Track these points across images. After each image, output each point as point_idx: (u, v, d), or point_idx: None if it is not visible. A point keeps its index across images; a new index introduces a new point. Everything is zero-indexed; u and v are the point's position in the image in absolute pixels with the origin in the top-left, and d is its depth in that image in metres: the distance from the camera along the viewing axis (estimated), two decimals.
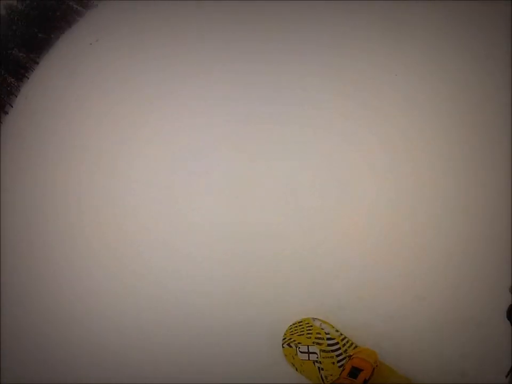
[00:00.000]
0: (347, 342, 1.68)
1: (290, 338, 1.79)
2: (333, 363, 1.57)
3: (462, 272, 2.43)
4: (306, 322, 1.82)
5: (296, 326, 1.83)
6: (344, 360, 1.57)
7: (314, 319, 1.83)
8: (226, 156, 7.72)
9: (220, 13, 11.52)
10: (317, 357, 1.63)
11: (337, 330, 1.74)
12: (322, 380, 1.60)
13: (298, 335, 1.76)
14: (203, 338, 2.69)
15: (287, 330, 1.86)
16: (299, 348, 1.71)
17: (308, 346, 1.67)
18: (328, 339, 1.67)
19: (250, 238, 3.93)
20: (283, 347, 1.81)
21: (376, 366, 1.50)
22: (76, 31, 22.73)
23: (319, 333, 1.71)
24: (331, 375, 1.55)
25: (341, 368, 1.53)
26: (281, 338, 1.86)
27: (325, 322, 1.79)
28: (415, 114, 5.33)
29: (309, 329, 1.76)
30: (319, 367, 1.61)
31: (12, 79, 20.76)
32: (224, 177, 6.40)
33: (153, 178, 8.23)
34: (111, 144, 13.93)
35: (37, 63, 22.58)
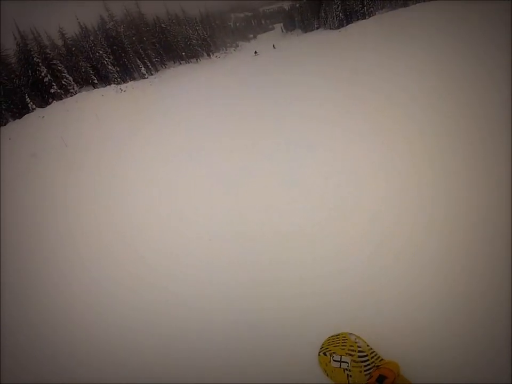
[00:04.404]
0: (375, 355, 1.91)
1: (327, 348, 2.03)
2: (360, 371, 1.81)
3: (463, 273, 2.42)
4: (343, 335, 2.06)
5: (334, 338, 2.08)
6: (371, 370, 1.80)
7: (350, 333, 2.07)
8: (228, 155, 7.72)
9: None
10: (347, 366, 1.86)
11: (368, 345, 1.97)
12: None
13: (334, 346, 2.01)
14: (204, 342, 2.68)
15: (325, 341, 2.11)
16: (333, 357, 1.94)
17: (341, 356, 1.91)
18: (359, 351, 1.90)
19: (254, 239, 3.92)
20: (319, 355, 2.05)
21: (398, 375, 1.73)
22: None
23: (352, 346, 1.95)
24: (357, 382, 1.79)
25: (367, 376, 1.77)
26: (319, 347, 2.10)
27: (359, 337, 2.02)
28: (416, 113, 5.34)
29: (344, 342, 2.00)
30: (348, 374, 1.83)
31: None
32: (225, 177, 6.40)
33: (154, 179, 8.23)
34: (111, 144, 13.94)
35: None
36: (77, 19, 26.69)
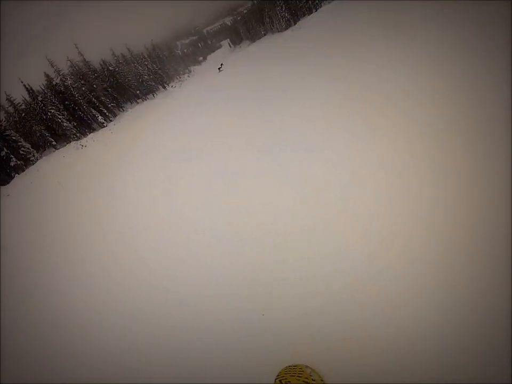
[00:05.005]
0: None
1: (283, 376, 2.12)
2: None
3: (463, 273, 2.42)
4: (299, 367, 2.16)
5: (291, 368, 2.17)
6: None
7: (306, 366, 2.15)
8: (227, 157, 7.73)
9: None
10: None
11: (322, 380, 2.05)
12: None
13: (291, 376, 2.10)
14: (204, 342, 2.69)
15: (282, 370, 2.18)
16: None
17: None
18: None
19: (254, 239, 3.92)
20: (275, 381, 2.13)
21: None
22: None
23: (306, 378, 2.04)
24: None
25: None
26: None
27: (314, 371, 2.11)
28: (416, 113, 5.34)
29: (300, 373, 2.09)
30: None
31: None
32: (225, 179, 6.41)
33: (155, 180, 8.25)
34: (113, 144, 13.95)
35: None
36: (21, 82, 24.48)
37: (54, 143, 22.71)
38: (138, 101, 28.44)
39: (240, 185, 5.76)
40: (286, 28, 31.97)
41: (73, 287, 4.35)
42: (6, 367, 3.09)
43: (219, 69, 25.91)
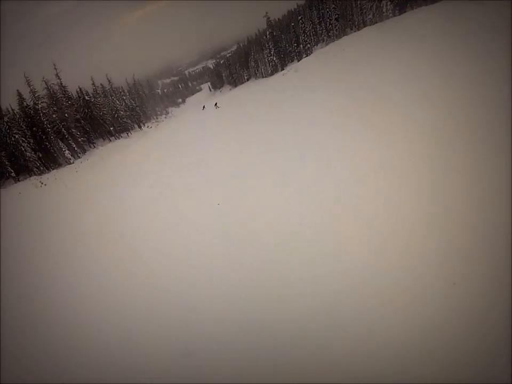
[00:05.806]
0: None
1: None
2: None
3: (462, 272, 2.42)
4: None
5: None
6: None
7: None
8: (227, 157, 7.72)
9: None
10: None
11: None
12: None
13: None
14: (204, 342, 2.69)
15: None
16: None
17: None
18: None
19: (254, 239, 3.92)
20: None
21: None
22: None
23: None
24: None
25: None
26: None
27: None
28: (416, 113, 5.34)
29: None
30: None
31: None
32: (225, 179, 6.41)
33: (156, 181, 8.24)
34: (75, 187, 13.38)
35: None
36: None
37: (13, 174, 19.14)
38: (111, 138, 25.76)
39: (240, 186, 5.76)
40: (272, 74, 30.06)
41: (74, 287, 4.35)
42: (6, 367, 3.08)
43: (215, 105, 24.56)
